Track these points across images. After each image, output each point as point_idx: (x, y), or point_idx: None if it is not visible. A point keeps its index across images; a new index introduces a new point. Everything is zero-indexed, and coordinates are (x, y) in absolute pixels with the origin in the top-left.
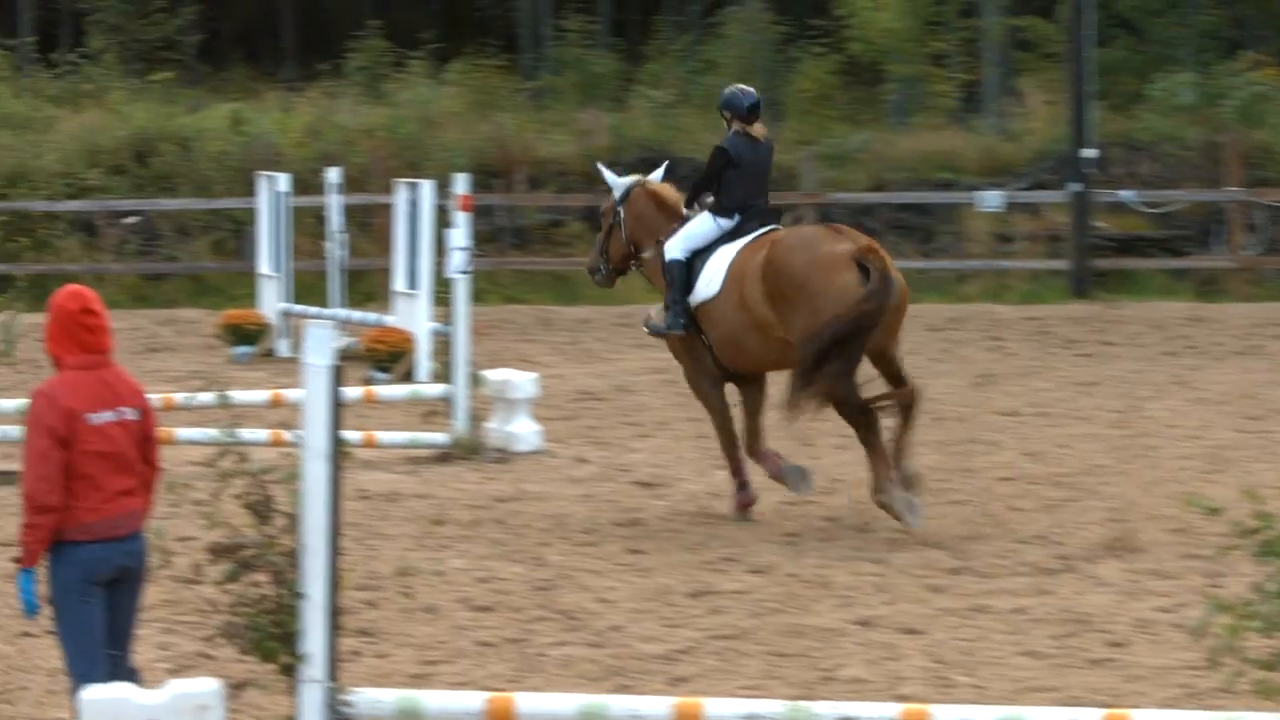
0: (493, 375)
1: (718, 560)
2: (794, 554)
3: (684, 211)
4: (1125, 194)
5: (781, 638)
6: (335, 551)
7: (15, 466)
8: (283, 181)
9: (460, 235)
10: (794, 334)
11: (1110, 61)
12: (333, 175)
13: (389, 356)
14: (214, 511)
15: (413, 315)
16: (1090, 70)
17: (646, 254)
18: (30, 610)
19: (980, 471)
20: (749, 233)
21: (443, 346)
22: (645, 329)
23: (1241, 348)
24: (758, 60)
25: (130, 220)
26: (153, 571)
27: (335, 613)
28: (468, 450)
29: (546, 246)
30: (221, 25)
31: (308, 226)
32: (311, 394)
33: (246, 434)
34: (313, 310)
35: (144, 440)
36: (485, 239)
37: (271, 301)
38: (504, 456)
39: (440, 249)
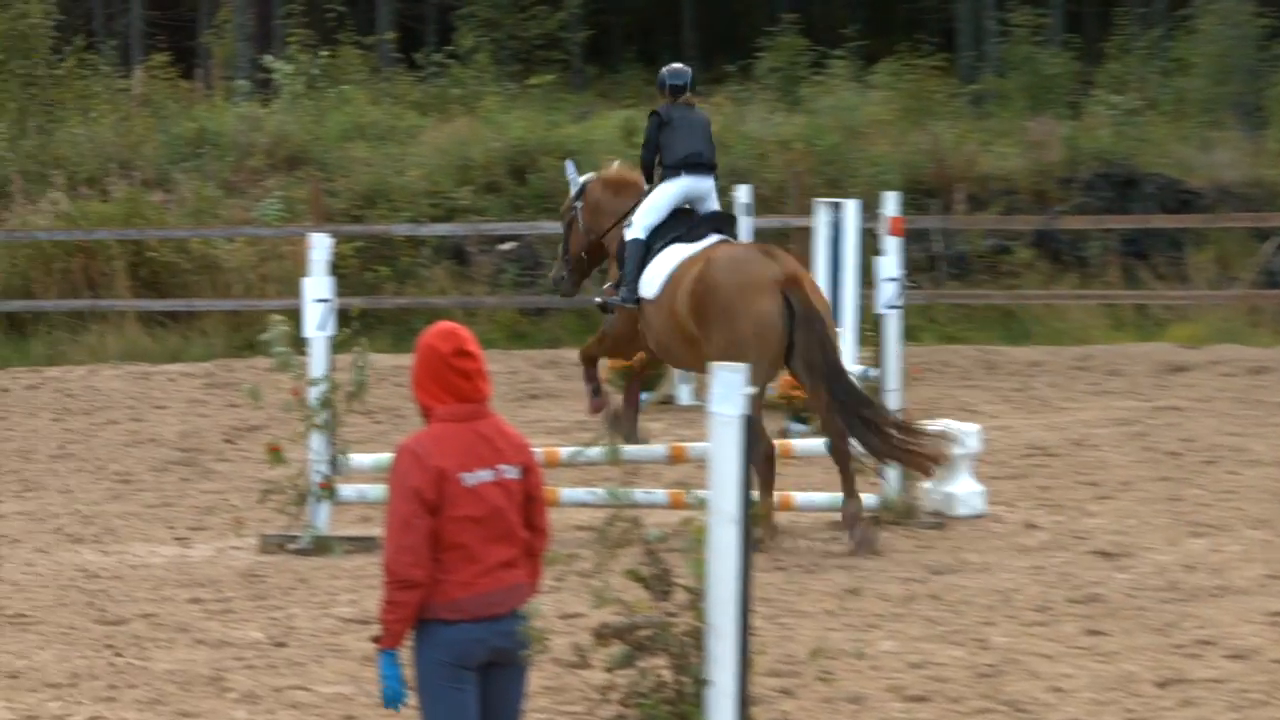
0: (928, 427)
1: (1191, 643)
2: None
3: (645, 188)
4: None
5: None
6: (745, 631)
7: (374, 532)
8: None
9: (890, 264)
10: (712, 351)
11: None
12: (741, 194)
13: (807, 404)
14: (603, 586)
15: None
16: None
17: (606, 238)
18: (393, 699)
19: None
20: (700, 238)
21: (870, 393)
22: (597, 303)
23: None
24: (1237, 59)
25: (507, 247)
26: (532, 655)
27: (745, 702)
28: (899, 514)
29: (990, 277)
30: (612, 21)
31: None
32: (718, 448)
33: (641, 494)
34: None
35: (527, 502)
36: (919, 268)
37: None
38: (941, 521)
39: (867, 280)
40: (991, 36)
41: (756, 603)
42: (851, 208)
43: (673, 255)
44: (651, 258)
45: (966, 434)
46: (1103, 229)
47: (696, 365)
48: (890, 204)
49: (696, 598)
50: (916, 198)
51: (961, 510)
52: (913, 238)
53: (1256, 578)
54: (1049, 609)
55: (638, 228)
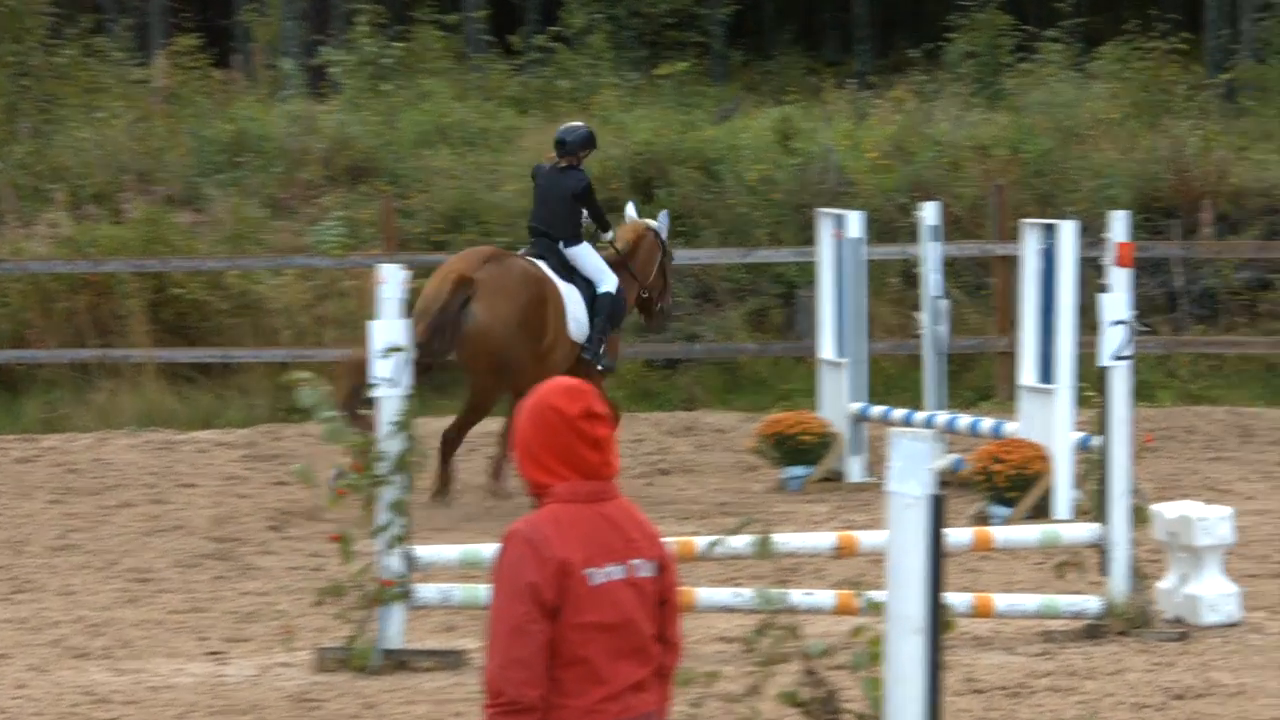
0: (1167, 510)
1: None
2: None
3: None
4: None
5: None
6: None
7: (462, 644)
8: (856, 223)
9: (1118, 302)
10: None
11: None
12: (928, 214)
13: (1012, 482)
14: (753, 714)
15: (1047, 421)
16: None
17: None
18: None
19: None
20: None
21: (1092, 467)
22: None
23: None
24: None
25: None
26: None
27: None
28: (1130, 621)
29: (1247, 319)
30: None
31: (891, 289)
32: (900, 538)
33: (800, 596)
34: (900, 414)
35: (660, 607)
36: (1157, 308)
37: (838, 400)
38: (1184, 631)
39: (1088, 323)
40: (1250, 12)
41: None
42: (1068, 231)
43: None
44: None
45: (1215, 520)
46: None
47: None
48: (1118, 226)
49: None
50: (1152, 218)
51: (1209, 617)
52: (1147, 269)
53: None
54: None
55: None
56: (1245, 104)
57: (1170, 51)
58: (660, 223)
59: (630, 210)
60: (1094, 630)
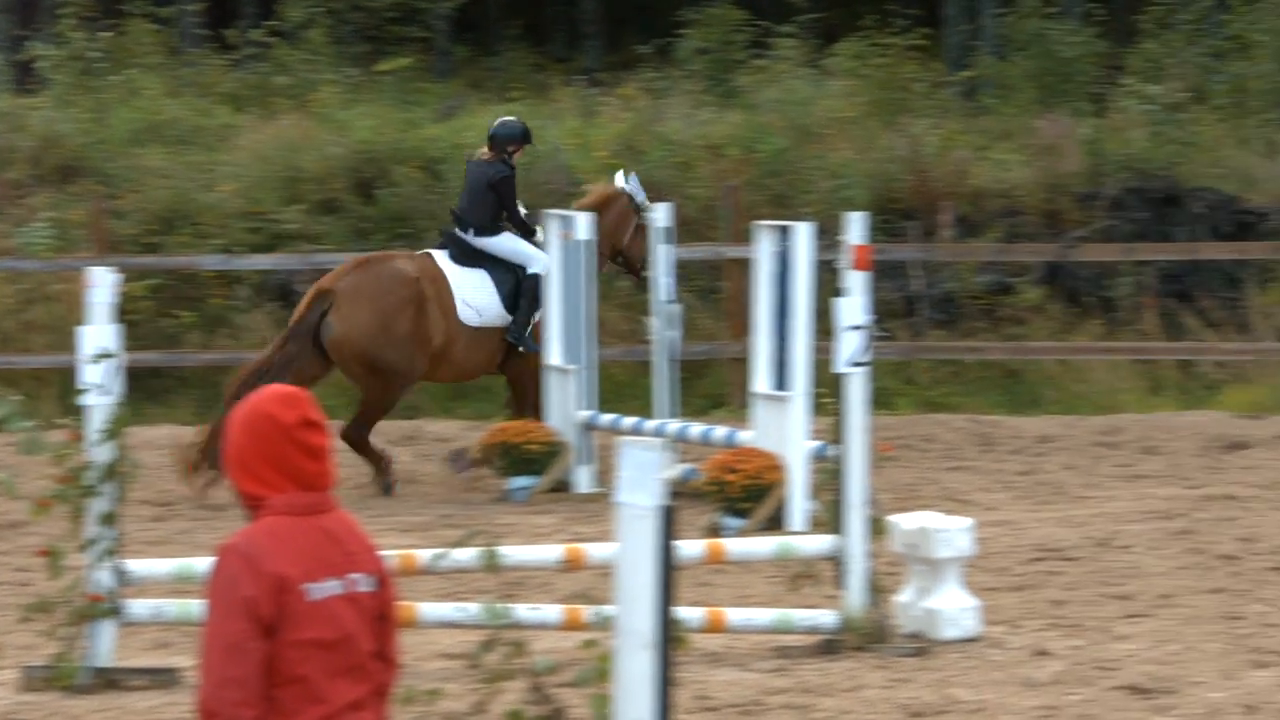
0: (905, 522)
1: None
2: None
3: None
4: None
5: None
6: None
7: (188, 660)
8: (584, 225)
9: (855, 307)
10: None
11: None
12: (659, 216)
13: (746, 493)
14: None
15: (782, 429)
16: None
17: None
18: None
19: None
20: None
21: (828, 477)
22: None
23: None
24: None
25: None
26: None
27: None
28: (867, 636)
29: (988, 324)
30: None
31: (621, 294)
32: (629, 551)
33: (526, 611)
34: (630, 423)
35: (378, 623)
36: (895, 313)
37: (566, 408)
38: (923, 646)
39: (824, 328)
40: (990, 7)
41: None
42: (804, 233)
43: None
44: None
45: (954, 531)
46: (1135, 261)
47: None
48: (855, 228)
49: None
50: (890, 220)
51: (949, 632)
52: (885, 272)
53: None
54: None
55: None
56: (985, 102)
57: (909, 48)
58: (629, 184)
59: (618, 177)
60: (830, 645)
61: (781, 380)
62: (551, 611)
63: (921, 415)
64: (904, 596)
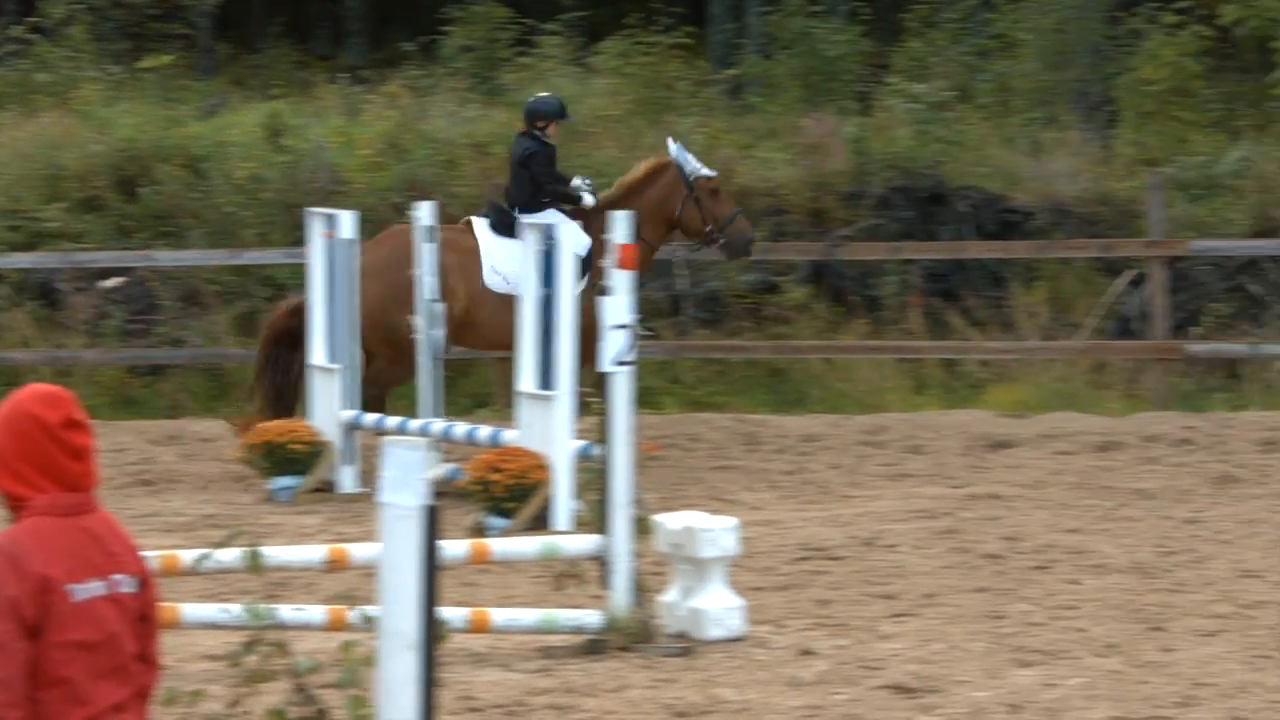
0: (670, 521)
1: None
2: None
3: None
4: None
5: None
6: None
7: None
8: (348, 223)
9: (620, 306)
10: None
11: None
12: (423, 214)
13: (510, 492)
14: None
15: (547, 429)
16: None
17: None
18: None
19: None
20: None
21: (593, 477)
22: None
23: None
24: (1077, 37)
25: (111, 284)
26: None
27: None
28: (632, 636)
29: (753, 323)
30: None
31: None
32: (392, 551)
33: (290, 612)
34: (394, 422)
35: (140, 624)
36: (660, 311)
37: (329, 408)
38: (688, 646)
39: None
40: (755, 6)
41: None
42: (565, 232)
43: None
44: None
45: (720, 531)
46: (900, 260)
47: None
48: (620, 227)
49: None
50: None
51: (714, 631)
52: (651, 271)
53: None
54: None
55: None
56: (751, 101)
57: (674, 46)
58: (678, 153)
59: (670, 145)
60: (595, 646)
61: (546, 379)
62: (315, 612)
63: (687, 414)
64: (669, 596)
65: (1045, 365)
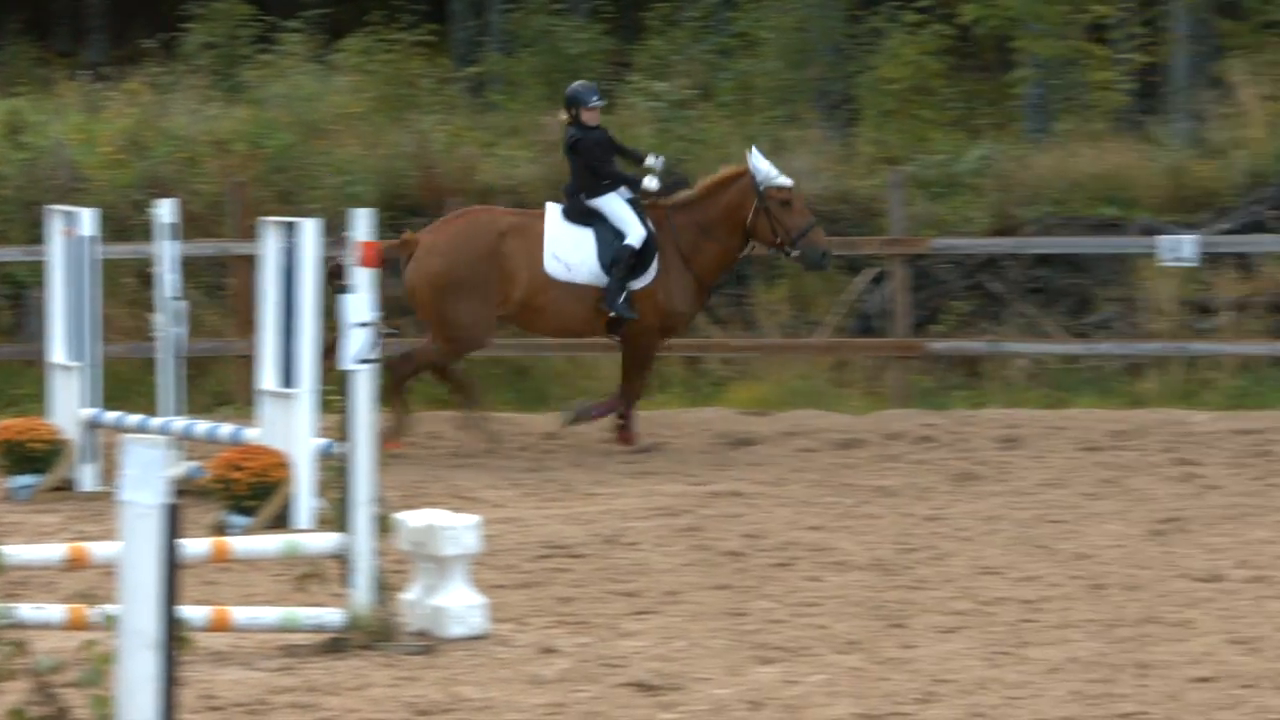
0: (412, 519)
1: None
2: None
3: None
4: None
5: None
6: None
7: None
8: (88, 221)
9: (363, 304)
10: None
11: None
12: (164, 211)
13: (252, 491)
14: None
15: (289, 426)
16: None
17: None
18: None
19: (1163, 668)
20: None
21: (335, 475)
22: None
23: None
24: (818, 36)
25: None
26: None
27: None
28: (373, 634)
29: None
30: None
31: (127, 290)
32: (132, 549)
33: (29, 611)
34: (135, 420)
35: None
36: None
37: (69, 406)
38: (429, 645)
39: (330, 325)
40: (497, 4)
41: None
42: (310, 229)
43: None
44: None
45: (461, 529)
46: None
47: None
48: (362, 224)
49: None
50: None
51: (455, 629)
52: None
53: (844, 717)
54: None
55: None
56: (493, 99)
57: (416, 44)
58: (755, 162)
59: (751, 155)
60: (337, 644)
61: (288, 377)
62: (54, 611)
63: (430, 412)
64: (411, 594)
65: (787, 363)
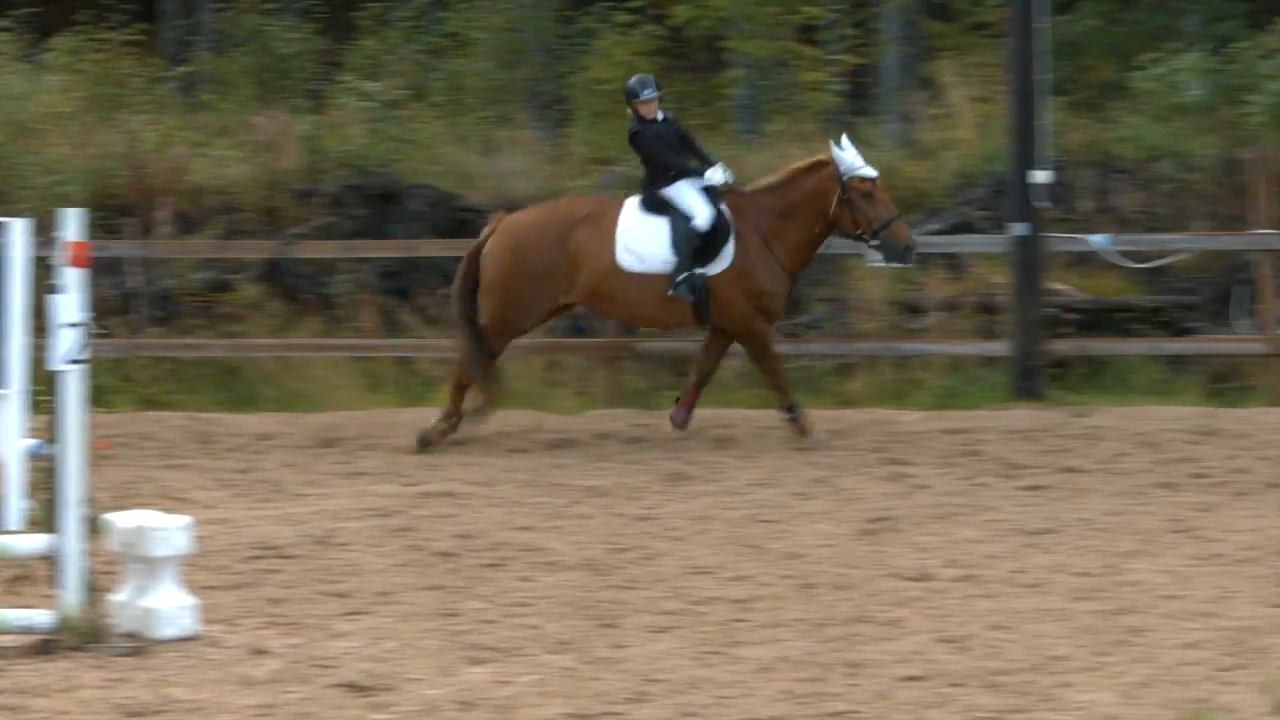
0: (122, 520)
1: None
2: None
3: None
4: (1097, 240)
5: None
6: None
7: None
8: None
9: (71, 304)
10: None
11: (1075, 38)
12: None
13: None
14: None
15: None
16: (1043, 50)
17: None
18: None
19: (873, 667)
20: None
21: (45, 476)
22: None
23: (1276, 476)
24: (530, 36)
25: None
26: None
27: None
28: (84, 636)
29: (206, 321)
30: None
31: None
32: None
33: None
34: None
35: None
36: (113, 309)
37: None
38: (139, 645)
39: (41, 324)
40: (206, 3)
41: None
42: (18, 229)
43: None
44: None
45: (172, 530)
46: (354, 258)
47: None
48: (72, 224)
49: None
50: (108, 216)
51: (166, 630)
52: (103, 269)
53: (555, 717)
54: None
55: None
56: (204, 98)
57: (126, 43)
58: (841, 151)
59: (840, 141)
60: (46, 645)
61: None
62: None
63: (140, 413)
64: (121, 595)
65: (502, 364)
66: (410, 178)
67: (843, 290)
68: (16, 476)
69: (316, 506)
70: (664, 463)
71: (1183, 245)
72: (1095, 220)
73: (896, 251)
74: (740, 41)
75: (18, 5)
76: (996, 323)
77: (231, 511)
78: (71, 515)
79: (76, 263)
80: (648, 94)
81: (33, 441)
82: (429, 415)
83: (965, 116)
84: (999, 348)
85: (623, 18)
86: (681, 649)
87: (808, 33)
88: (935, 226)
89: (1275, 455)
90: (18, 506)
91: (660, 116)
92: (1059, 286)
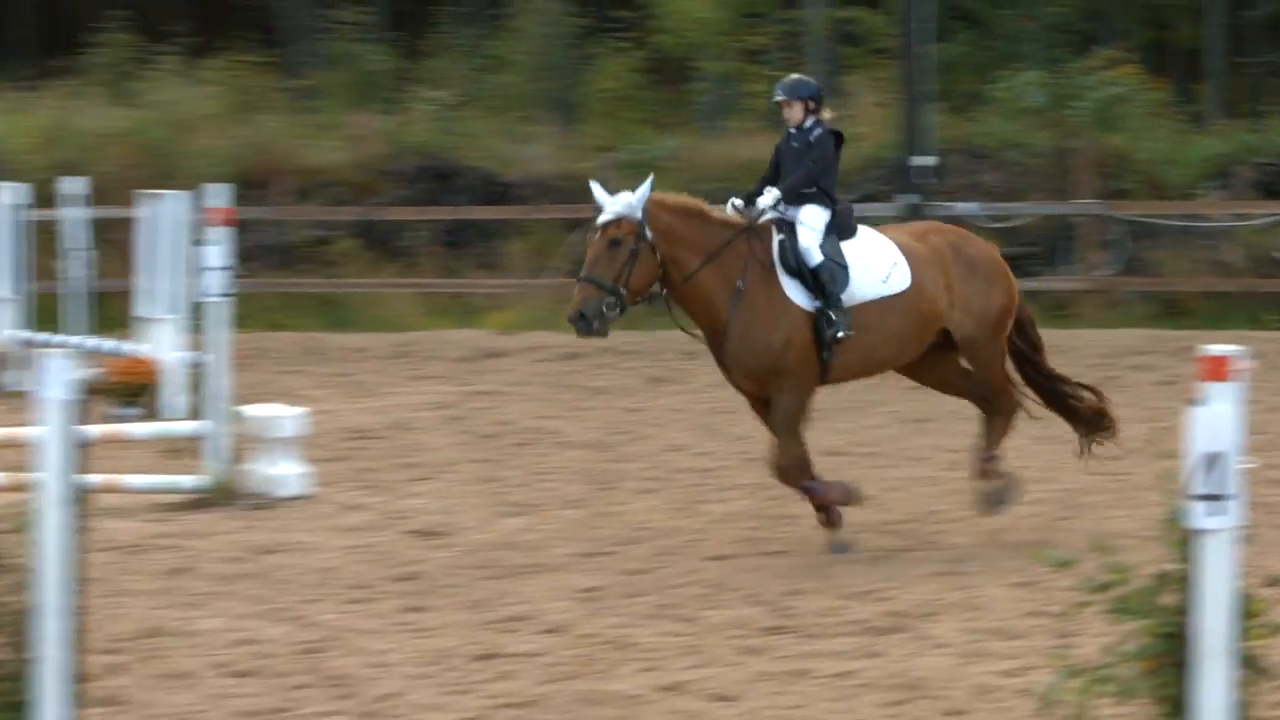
0: (253, 411)
1: (506, 619)
2: (592, 612)
3: (755, 213)
4: (966, 206)
5: (578, 706)
6: (75, 610)
7: None
8: (16, 193)
9: (217, 253)
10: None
11: (950, 58)
12: (71, 185)
13: (137, 390)
14: None
15: (163, 343)
16: (926, 68)
17: (688, 275)
18: None
19: (800, 518)
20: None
21: (199, 378)
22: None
23: (1094, 379)
24: (552, 57)
25: None
26: None
27: (75, 679)
28: (225, 495)
29: (314, 266)
30: None
31: (51, 245)
32: (47, 432)
33: None
34: (51, 338)
35: None
36: (246, 257)
37: (5, 328)
38: (265, 502)
39: (195, 269)
40: (316, 33)
41: (87, 583)
42: (177, 199)
43: (881, 243)
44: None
45: (289, 418)
46: (423, 220)
47: (899, 360)
48: (216, 195)
49: (26, 577)
50: (243, 189)
51: (285, 491)
52: (240, 228)
53: (569, 555)
54: (370, 587)
55: (823, 250)
56: (313, 104)
57: (258, 63)
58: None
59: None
60: (199, 502)
61: (165, 307)
62: None
63: (265, 333)
64: (253, 466)
65: (527, 297)
66: (463, 161)
67: None
68: (180, 378)
69: (394, 401)
70: (649, 370)
71: (1027, 211)
72: (964, 192)
73: None
74: (704, 62)
75: (180, 36)
76: None
77: (333, 405)
78: (217, 408)
79: (222, 223)
80: (778, 96)
81: (191, 353)
82: (477, 335)
83: (870, 116)
84: None
85: (617, 43)
86: (663, 506)
87: (752, 55)
88: (850, 197)
89: (1094, 364)
90: (181, 400)
91: (806, 124)
92: None
